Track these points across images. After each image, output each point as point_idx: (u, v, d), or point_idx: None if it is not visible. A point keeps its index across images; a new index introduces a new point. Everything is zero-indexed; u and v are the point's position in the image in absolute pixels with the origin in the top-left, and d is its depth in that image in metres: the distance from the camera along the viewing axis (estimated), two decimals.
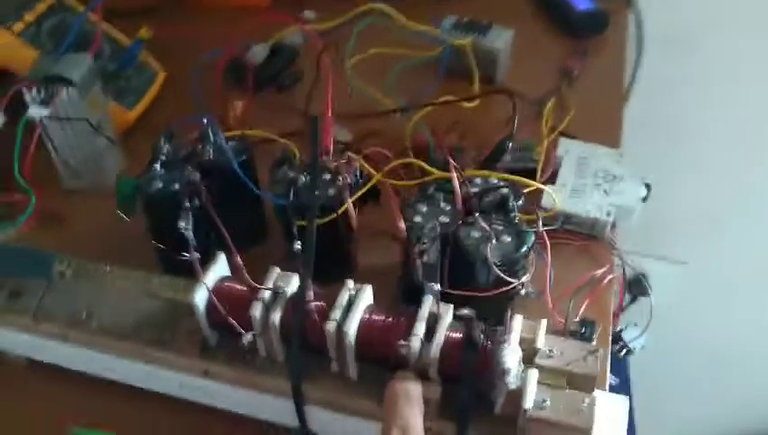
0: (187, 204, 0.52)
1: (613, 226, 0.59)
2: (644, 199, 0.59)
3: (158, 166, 0.54)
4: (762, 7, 0.86)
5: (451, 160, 0.50)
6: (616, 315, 0.63)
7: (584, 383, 0.39)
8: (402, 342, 0.38)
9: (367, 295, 0.41)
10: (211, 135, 0.56)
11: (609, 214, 0.58)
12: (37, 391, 0.51)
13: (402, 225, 0.48)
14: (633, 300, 0.85)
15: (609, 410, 0.40)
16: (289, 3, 0.85)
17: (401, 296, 0.52)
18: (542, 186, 0.55)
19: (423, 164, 0.50)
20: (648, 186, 0.60)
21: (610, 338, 0.53)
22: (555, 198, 0.55)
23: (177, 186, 0.52)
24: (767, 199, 1.01)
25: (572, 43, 0.79)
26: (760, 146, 0.97)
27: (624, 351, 0.77)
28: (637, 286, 0.73)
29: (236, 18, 0.68)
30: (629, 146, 0.67)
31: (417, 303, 0.41)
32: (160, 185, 0.52)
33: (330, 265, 0.49)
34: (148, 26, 0.74)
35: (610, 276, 0.54)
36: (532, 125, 0.68)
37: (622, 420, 0.40)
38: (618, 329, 0.75)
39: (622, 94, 0.73)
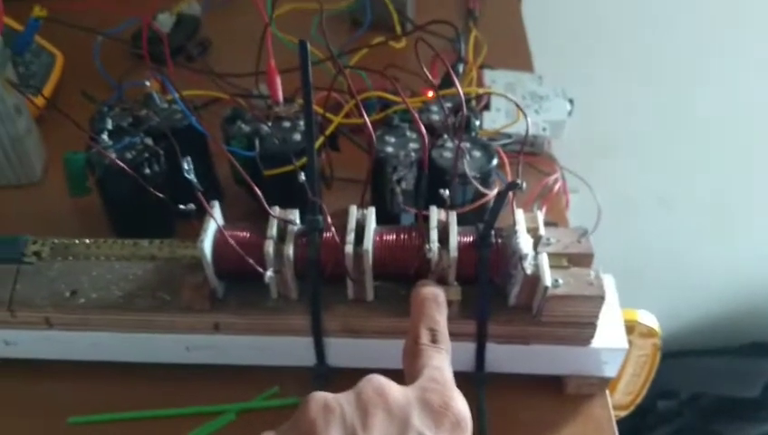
0: (147, 170, 0.51)
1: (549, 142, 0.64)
2: (570, 113, 0.65)
3: (104, 137, 0.51)
4: None
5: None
6: None
7: (584, 262, 0.42)
8: (427, 246, 0.40)
9: (372, 218, 0.42)
10: (156, 99, 0.54)
11: (544, 129, 0.62)
12: (28, 392, 0.47)
13: None
14: None
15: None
16: None
17: None
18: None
19: (386, 95, 0.52)
20: (571, 101, 0.66)
21: None
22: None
23: (133, 153, 0.50)
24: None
25: None
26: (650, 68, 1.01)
27: None
28: None
29: None
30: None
31: None
32: (115, 155, 0.49)
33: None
34: (40, 5, 0.69)
35: (560, 183, 0.59)
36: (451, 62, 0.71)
37: (614, 290, 0.45)
38: None
39: (521, 23, 0.79)
